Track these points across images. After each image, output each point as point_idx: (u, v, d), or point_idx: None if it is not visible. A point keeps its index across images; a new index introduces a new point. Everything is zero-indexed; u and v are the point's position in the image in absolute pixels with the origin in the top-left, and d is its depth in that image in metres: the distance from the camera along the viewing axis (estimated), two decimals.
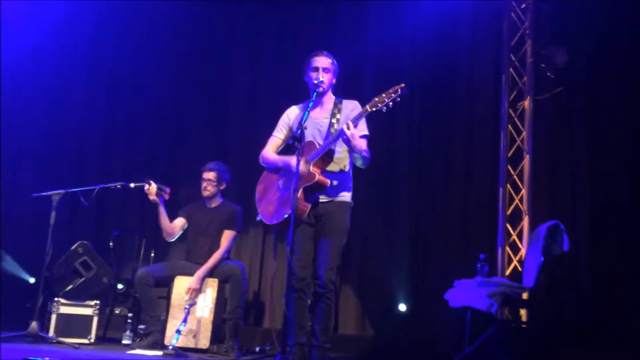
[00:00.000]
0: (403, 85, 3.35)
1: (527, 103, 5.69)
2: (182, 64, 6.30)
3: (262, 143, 3.93)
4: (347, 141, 3.44)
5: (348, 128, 3.40)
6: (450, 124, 5.80)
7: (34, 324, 4.43)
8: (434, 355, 4.88)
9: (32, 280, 5.71)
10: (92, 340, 4.75)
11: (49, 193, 4.69)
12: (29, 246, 5.55)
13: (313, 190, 3.51)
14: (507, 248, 5.53)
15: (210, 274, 4.79)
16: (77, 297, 4.87)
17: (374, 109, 3.38)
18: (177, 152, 6.14)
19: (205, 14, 6.29)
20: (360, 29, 6.01)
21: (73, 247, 5.05)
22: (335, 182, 3.60)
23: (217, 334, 4.72)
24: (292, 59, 5.81)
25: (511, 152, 5.68)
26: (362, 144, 3.54)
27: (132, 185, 4.90)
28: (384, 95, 3.38)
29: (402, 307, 5.55)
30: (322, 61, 3.72)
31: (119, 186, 4.92)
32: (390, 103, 3.35)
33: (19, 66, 5.95)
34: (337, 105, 3.70)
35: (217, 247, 4.89)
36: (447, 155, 5.75)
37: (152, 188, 4.73)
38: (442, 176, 5.71)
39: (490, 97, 5.79)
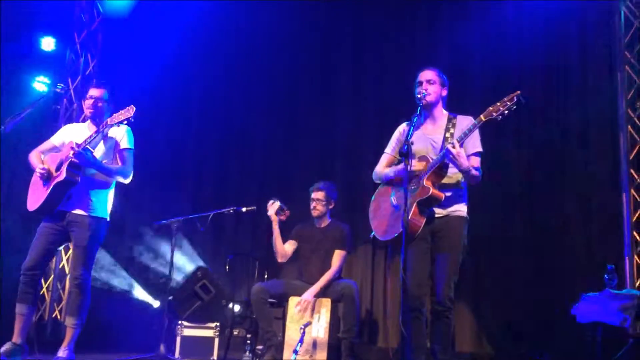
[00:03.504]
0: (519, 92, 3.21)
1: None
2: (288, 89, 6.49)
3: (367, 160, 3.89)
4: (453, 160, 3.35)
5: (453, 147, 3.31)
6: (564, 129, 5.53)
7: (162, 347, 4.64)
8: None
9: (156, 304, 6.03)
10: None
11: (169, 221, 4.92)
12: (152, 272, 5.87)
13: (427, 204, 3.43)
14: (636, 257, 5.16)
15: (323, 293, 4.83)
16: (198, 319, 5.07)
17: (488, 119, 3.27)
18: (285, 175, 6.29)
19: (307, 34, 6.47)
20: (463, 33, 5.91)
21: (193, 272, 5.29)
22: (449, 194, 3.51)
23: (333, 353, 4.73)
24: (397, 74, 5.82)
25: (633, 154, 5.32)
26: (468, 164, 3.40)
27: (244, 209, 5.05)
28: (499, 103, 3.26)
29: (518, 325, 5.31)
30: (426, 74, 3.65)
31: (231, 211, 5.08)
32: (506, 112, 3.22)
33: (137, 101, 6.35)
34: (451, 120, 3.59)
35: (329, 266, 4.92)
36: (563, 160, 5.48)
37: (275, 204, 4.89)
38: (558, 183, 5.44)
39: (605, 97, 5.47)
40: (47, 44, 5.99)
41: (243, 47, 6.55)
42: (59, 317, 5.81)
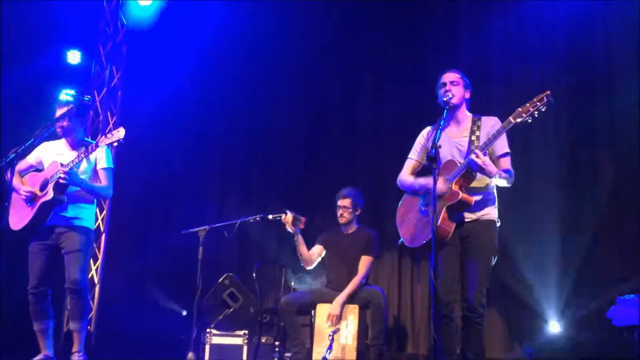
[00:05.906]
0: (549, 92, 3.17)
1: None
2: (311, 95, 6.50)
3: (391, 165, 3.86)
4: (481, 170, 3.31)
5: (477, 157, 3.27)
6: (592, 128, 5.43)
7: (190, 355, 4.64)
8: None
9: (184, 312, 6.06)
10: None
11: (196, 229, 4.93)
12: (180, 280, 5.89)
13: (457, 209, 3.39)
14: None
15: (350, 300, 4.80)
16: (227, 327, 5.07)
17: (517, 120, 3.23)
18: (310, 182, 6.30)
19: (328, 39, 6.48)
20: (484, 36, 5.85)
21: (220, 280, 5.30)
22: (478, 198, 3.46)
23: None
24: (417, 78, 5.79)
25: None
26: (497, 169, 3.35)
27: (270, 217, 5.04)
28: (528, 104, 3.22)
29: (554, 327, 5.22)
30: (449, 76, 3.61)
31: (258, 219, 5.08)
32: (536, 113, 3.18)
33: (162, 110, 6.41)
34: (475, 122, 3.55)
35: (356, 273, 4.90)
36: (593, 161, 5.37)
37: (288, 217, 4.85)
38: (589, 184, 5.33)
39: (633, 97, 5.34)
40: (73, 57, 6.08)
41: (265, 54, 6.57)
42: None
